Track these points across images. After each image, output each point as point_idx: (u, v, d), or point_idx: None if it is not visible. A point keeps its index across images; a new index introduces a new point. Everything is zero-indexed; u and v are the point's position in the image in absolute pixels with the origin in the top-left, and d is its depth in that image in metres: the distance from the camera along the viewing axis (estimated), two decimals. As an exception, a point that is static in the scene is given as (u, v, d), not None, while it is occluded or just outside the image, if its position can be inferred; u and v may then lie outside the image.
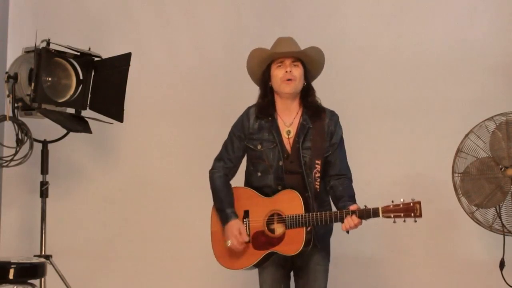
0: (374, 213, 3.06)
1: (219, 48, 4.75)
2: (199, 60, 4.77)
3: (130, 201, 4.75)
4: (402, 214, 3.04)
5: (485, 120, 3.77)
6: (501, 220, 3.74)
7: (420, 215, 3.04)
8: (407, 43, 4.48)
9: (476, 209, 3.78)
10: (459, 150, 3.79)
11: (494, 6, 4.42)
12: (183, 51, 4.80)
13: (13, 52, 4.65)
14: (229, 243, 3.25)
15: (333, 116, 3.34)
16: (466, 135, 3.80)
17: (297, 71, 3.27)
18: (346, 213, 3.08)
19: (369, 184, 4.33)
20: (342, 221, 3.09)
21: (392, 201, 3.06)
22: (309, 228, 3.15)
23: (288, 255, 3.18)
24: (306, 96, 3.33)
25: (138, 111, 4.60)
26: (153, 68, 4.78)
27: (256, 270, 3.36)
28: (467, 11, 4.44)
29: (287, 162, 3.25)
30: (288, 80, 3.25)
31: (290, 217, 3.16)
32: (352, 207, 3.09)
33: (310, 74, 3.34)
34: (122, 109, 4.22)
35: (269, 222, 3.23)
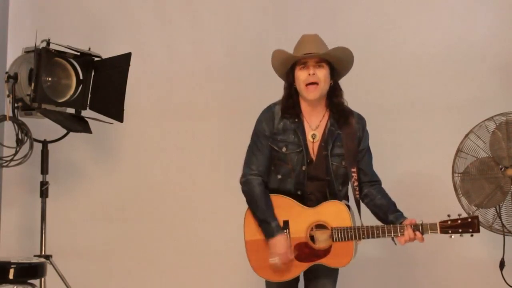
0: (431, 227, 3.04)
1: (219, 48, 4.75)
2: (199, 60, 4.77)
3: (130, 201, 4.75)
4: (460, 230, 3.03)
5: (485, 120, 3.77)
6: (501, 220, 3.74)
7: (478, 230, 3.04)
8: (407, 43, 4.48)
9: (476, 209, 3.78)
10: (459, 150, 3.79)
11: (494, 6, 4.42)
12: (183, 51, 4.80)
13: (13, 52, 4.65)
14: (275, 260, 3.10)
15: (361, 120, 3.24)
16: (466, 135, 3.79)
17: (322, 73, 3.12)
18: (401, 228, 3.05)
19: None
20: (395, 235, 3.06)
21: (449, 215, 3.04)
22: (359, 242, 3.10)
23: (335, 267, 3.15)
24: (332, 96, 3.19)
25: (138, 111, 4.60)
26: (153, 68, 4.78)
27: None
28: (467, 11, 4.43)
29: (310, 168, 3.14)
30: (311, 84, 3.11)
31: (338, 229, 3.08)
32: (408, 221, 3.06)
33: (336, 72, 3.20)
34: (122, 109, 4.21)
35: (312, 234, 3.13)
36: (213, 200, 4.57)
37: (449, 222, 3.03)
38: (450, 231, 3.03)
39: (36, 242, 4.29)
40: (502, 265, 3.82)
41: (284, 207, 3.15)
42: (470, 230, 3.02)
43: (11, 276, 3.39)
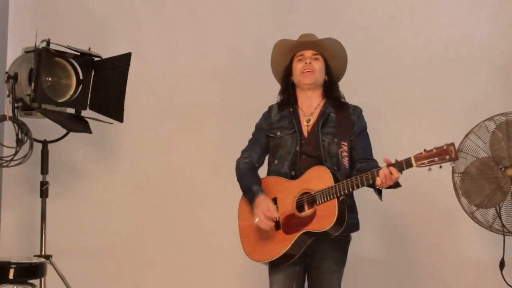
0: (407, 163, 2.94)
1: (219, 48, 4.75)
2: (199, 60, 4.77)
3: (130, 201, 4.75)
4: (436, 159, 2.87)
5: (485, 120, 3.77)
6: (501, 220, 3.74)
7: (456, 157, 2.87)
8: (406, 43, 4.48)
9: (476, 209, 3.78)
10: (459, 150, 3.79)
11: (494, 6, 4.41)
12: (183, 51, 4.80)
13: (13, 52, 4.65)
14: (256, 220, 3.11)
15: (356, 108, 3.33)
16: (466, 135, 3.79)
17: (317, 64, 3.29)
18: (377, 170, 2.96)
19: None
20: (373, 180, 2.95)
21: (425, 149, 2.92)
22: (341, 198, 3.02)
23: (320, 231, 3.02)
24: (329, 91, 3.33)
25: (138, 111, 4.60)
26: (153, 68, 4.78)
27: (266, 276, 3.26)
28: (468, 11, 4.43)
29: (303, 146, 3.21)
30: (307, 72, 3.27)
31: (320, 191, 3.05)
32: (385, 160, 2.98)
33: (332, 71, 3.36)
34: (122, 109, 4.22)
35: (299, 203, 3.11)
36: (213, 200, 4.58)
37: (424, 153, 2.90)
38: (426, 162, 2.89)
39: (36, 242, 4.29)
40: (502, 265, 3.81)
41: (272, 186, 3.22)
42: (447, 157, 2.85)
43: (11, 276, 3.40)
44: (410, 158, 2.94)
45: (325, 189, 3.04)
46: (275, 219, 3.12)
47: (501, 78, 4.33)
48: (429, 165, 2.90)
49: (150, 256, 4.69)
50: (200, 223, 4.63)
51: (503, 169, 3.70)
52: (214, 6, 4.78)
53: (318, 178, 3.08)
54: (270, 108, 3.40)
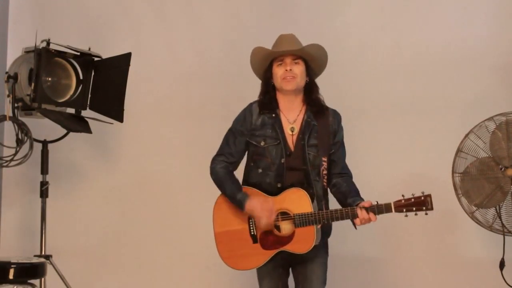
0: (386, 208, 3.10)
1: (219, 48, 4.75)
2: (199, 60, 4.77)
3: (130, 201, 4.75)
4: (414, 208, 3.08)
5: (485, 120, 3.77)
6: (501, 220, 3.74)
7: (432, 208, 3.09)
8: (407, 43, 4.48)
9: (476, 209, 3.78)
10: (459, 150, 3.79)
11: (494, 6, 4.41)
12: (183, 51, 4.80)
13: (13, 52, 4.65)
14: (263, 221, 3.15)
15: (336, 115, 3.35)
16: (466, 135, 3.79)
17: (298, 69, 3.26)
18: (358, 209, 3.10)
19: (369, 183, 4.29)
20: (353, 217, 3.11)
21: (403, 196, 3.10)
22: (319, 226, 3.15)
23: (299, 253, 3.16)
24: (310, 93, 3.32)
25: (138, 111, 4.60)
26: (153, 68, 4.78)
27: (254, 270, 3.34)
28: (467, 11, 4.43)
29: (289, 159, 3.22)
30: (289, 77, 3.24)
31: (299, 215, 3.15)
32: (365, 203, 3.11)
33: (312, 71, 3.34)
34: (122, 109, 4.22)
35: (276, 221, 3.19)
36: (213, 200, 4.57)
37: (403, 201, 3.09)
38: (404, 210, 3.10)
39: (36, 242, 4.29)
40: (502, 265, 3.81)
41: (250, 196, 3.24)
42: (424, 208, 3.09)
43: (11, 276, 3.40)
44: (390, 204, 3.11)
45: (305, 214, 3.15)
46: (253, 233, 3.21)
47: (501, 78, 4.33)
48: (406, 212, 3.11)
49: (150, 256, 4.69)
50: (200, 223, 4.60)
51: (503, 169, 3.70)
52: (214, 6, 4.78)
53: (298, 201, 3.17)
54: (250, 108, 3.35)
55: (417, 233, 4.37)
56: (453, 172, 3.79)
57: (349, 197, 3.21)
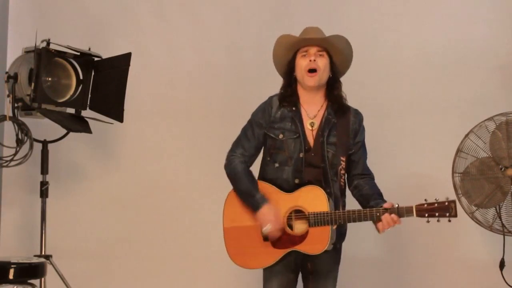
0: (407, 211, 2.99)
1: (219, 48, 4.75)
2: (199, 60, 4.77)
3: (130, 201, 4.75)
4: (436, 214, 2.98)
5: (485, 120, 3.77)
6: (501, 220, 3.74)
7: (455, 215, 2.98)
8: (406, 43, 4.48)
9: (476, 209, 3.78)
10: (459, 150, 3.79)
11: (494, 6, 4.42)
12: (183, 51, 4.80)
13: (13, 52, 4.65)
14: (268, 229, 3.04)
15: (358, 114, 3.26)
16: (466, 135, 3.79)
17: (322, 61, 3.16)
18: (377, 211, 3.00)
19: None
20: (372, 219, 3.01)
21: (426, 200, 2.99)
22: (335, 227, 3.05)
23: (311, 254, 3.06)
24: (332, 89, 3.23)
25: (138, 111, 4.60)
26: (153, 68, 4.78)
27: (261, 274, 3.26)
28: (467, 11, 4.43)
29: (308, 155, 3.13)
30: (311, 71, 3.15)
31: (314, 214, 3.04)
32: (386, 205, 3.01)
33: (336, 67, 3.24)
34: (122, 109, 4.21)
35: (289, 219, 3.09)
36: (213, 200, 4.55)
37: (426, 206, 2.98)
38: (426, 215, 2.98)
39: (36, 242, 4.29)
40: (502, 265, 3.81)
41: (265, 193, 3.14)
42: (447, 214, 2.97)
43: (11, 276, 3.39)
44: (412, 207, 3.00)
45: (321, 214, 3.04)
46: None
47: (501, 78, 4.33)
48: (428, 218, 3.00)
49: (150, 256, 4.69)
50: (200, 223, 4.63)
51: (503, 169, 3.70)
52: (214, 6, 4.78)
53: (314, 199, 3.06)
54: (270, 101, 3.25)
55: (417, 233, 4.36)
56: (453, 172, 3.79)
57: (372, 199, 3.12)
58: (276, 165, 3.17)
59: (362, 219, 3.02)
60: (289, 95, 3.23)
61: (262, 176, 3.23)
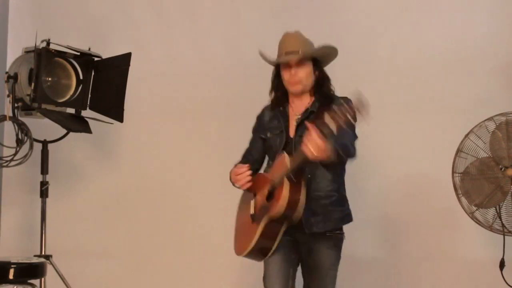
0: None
1: (219, 48, 4.76)
2: (199, 60, 4.77)
3: (130, 201, 4.75)
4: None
5: (485, 120, 3.77)
6: (501, 220, 3.74)
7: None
8: (406, 43, 4.48)
9: (476, 209, 3.78)
10: (459, 150, 3.79)
11: (493, 6, 4.42)
12: (183, 51, 4.80)
13: (13, 52, 4.65)
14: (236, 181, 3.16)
15: (346, 99, 3.11)
16: (466, 135, 3.79)
17: (303, 72, 3.20)
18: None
19: (369, 183, 4.33)
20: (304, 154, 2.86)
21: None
22: (291, 178, 2.98)
23: (279, 212, 3.00)
24: (320, 86, 3.26)
25: (138, 111, 4.60)
26: (153, 68, 4.78)
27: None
28: (467, 11, 4.44)
29: (288, 147, 3.16)
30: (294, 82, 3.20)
31: (277, 177, 3.04)
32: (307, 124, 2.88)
33: (321, 64, 3.26)
34: (122, 109, 4.21)
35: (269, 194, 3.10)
36: (213, 200, 4.57)
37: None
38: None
39: (36, 242, 4.29)
40: (502, 265, 3.81)
41: (258, 181, 3.20)
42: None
43: (11, 276, 3.39)
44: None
45: (280, 174, 3.03)
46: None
47: (501, 78, 4.33)
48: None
49: (150, 255, 4.69)
50: (200, 223, 4.63)
51: (503, 169, 3.70)
52: (214, 6, 4.78)
53: (279, 165, 3.08)
54: (264, 109, 3.37)
55: (417, 232, 4.38)
56: (453, 172, 3.79)
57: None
58: (270, 162, 3.27)
59: (301, 158, 2.90)
60: (279, 97, 3.30)
61: None
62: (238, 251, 3.25)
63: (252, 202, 3.20)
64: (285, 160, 3.06)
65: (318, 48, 3.25)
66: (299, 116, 3.23)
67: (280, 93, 3.31)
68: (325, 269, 3.19)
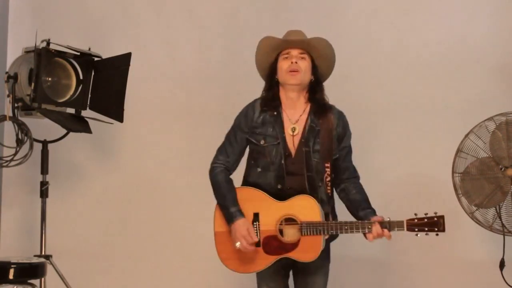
0: (398, 225, 3.05)
1: (219, 48, 4.76)
2: (199, 60, 4.77)
3: (130, 201, 4.75)
4: (426, 229, 3.05)
5: (485, 120, 3.77)
6: (501, 220, 3.74)
7: (443, 230, 3.07)
8: (407, 44, 4.48)
9: (476, 209, 3.78)
10: (459, 150, 3.79)
11: (494, 6, 4.42)
12: (183, 51, 4.80)
13: (13, 52, 4.66)
14: (238, 245, 3.10)
15: (341, 117, 3.24)
16: (466, 135, 3.79)
17: (303, 64, 3.17)
18: (369, 224, 3.05)
19: (369, 183, 4.31)
20: (363, 231, 3.05)
21: (416, 214, 3.06)
22: (327, 237, 3.09)
23: (304, 261, 3.10)
24: (314, 92, 3.23)
25: (138, 111, 4.60)
26: (153, 68, 4.78)
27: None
28: (467, 11, 4.44)
29: (288, 163, 3.14)
30: (293, 71, 3.16)
31: (308, 223, 3.07)
32: (376, 218, 3.06)
33: (319, 70, 3.24)
34: (122, 109, 4.22)
35: (281, 226, 3.11)
36: (213, 200, 4.57)
37: (416, 221, 3.05)
38: (416, 229, 3.05)
39: (36, 242, 4.29)
40: (502, 265, 3.81)
41: (255, 199, 3.16)
42: (436, 229, 3.06)
43: (11, 276, 3.40)
44: (402, 222, 3.06)
45: (313, 223, 3.07)
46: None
47: (501, 78, 4.33)
48: (417, 232, 3.07)
49: (150, 255, 4.69)
50: (201, 223, 4.61)
51: (503, 169, 3.70)
52: (214, 6, 4.78)
53: (306, 208, 3.09)
54: (253, 105, 3.26)
55: (417, 233, 4.37)
56: (453, 172, 3.79)
57: (360, 209, 3.15)
58: (259, 169, 3.20)
59: (354, 231, 3.07)
60: (270, 99, 3.24)
61: (247, 179, 3.26)
62: (235, 268, 3.21)
63: (256, 225, 3.15)
64: (316, 210, 3.08)
65: (321, 38, 3.21)
66: (295, 126, 3.19)
67: (274, 92, 3.24)
68: (313, 269, 3.20)
